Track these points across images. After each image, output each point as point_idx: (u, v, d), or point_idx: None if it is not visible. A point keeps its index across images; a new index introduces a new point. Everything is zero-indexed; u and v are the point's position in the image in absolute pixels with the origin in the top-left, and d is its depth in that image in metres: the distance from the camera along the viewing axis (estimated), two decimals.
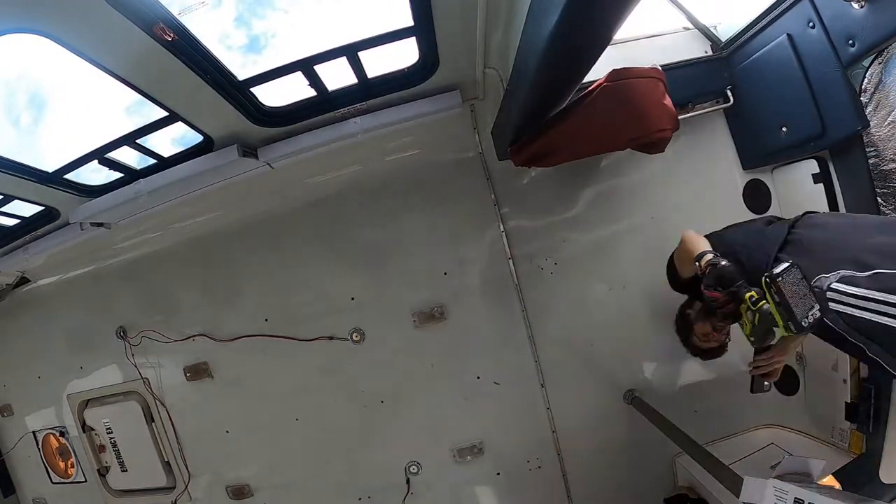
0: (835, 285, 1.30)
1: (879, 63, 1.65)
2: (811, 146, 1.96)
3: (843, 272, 1.30)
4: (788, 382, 2.25)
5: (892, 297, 1.20)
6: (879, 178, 1.76)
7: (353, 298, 2.44)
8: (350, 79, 1.82)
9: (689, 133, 2.25)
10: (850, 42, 1.66)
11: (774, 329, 1.30)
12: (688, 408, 2.37)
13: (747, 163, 2.33)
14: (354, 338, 2.44)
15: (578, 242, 2.39)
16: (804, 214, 1.58)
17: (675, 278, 1.85)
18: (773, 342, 1.52)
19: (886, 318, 1.21)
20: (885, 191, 1.75)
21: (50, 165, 1.86)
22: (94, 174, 2.05)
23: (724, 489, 1.60)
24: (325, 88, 1.82)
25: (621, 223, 2.39)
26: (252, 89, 1.70)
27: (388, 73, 1.88)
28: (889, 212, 1.74)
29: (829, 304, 1.31)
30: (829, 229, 1.48)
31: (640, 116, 1.76)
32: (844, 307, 1.29)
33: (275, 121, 1.92)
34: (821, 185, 1.98)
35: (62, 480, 2.84)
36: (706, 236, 1.65)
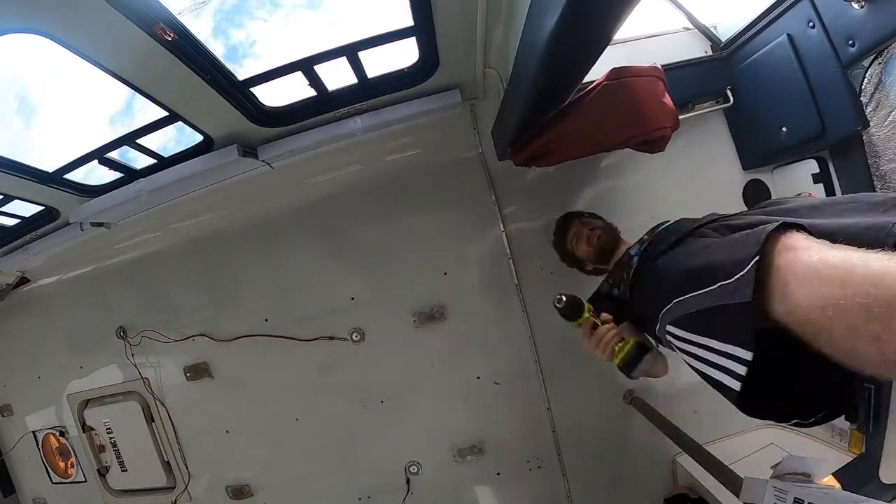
0: (668, 327, 1.11)
1: (879, 63, 1.65)
2: (811, 146, 1.96)
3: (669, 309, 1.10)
4: None
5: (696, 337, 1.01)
6: (879, 178, 1.76)
7: (352, 298, 2.44)
8: (350, 79, 1.82)
9: (688, 133, 2.25)
10: (850, 42, 1.66)
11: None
12: (688, 408, 2.37)
13: (747, 163, 2.33)
14: (354, 338, 2.44)
15: None
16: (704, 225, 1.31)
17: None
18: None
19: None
20: (885, 190, 1.75)
21: (49, 165, 1.87)
22: (94, 174, 2.05)
23: (724, 489, 1.60)
24: (325, 88, 1.81)
25: (621, 223, 2.36)
26: (252, 89, 1.70)
27: (388, 73, 1.88)
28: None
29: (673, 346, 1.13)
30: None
31: (639, 114, 1.76)
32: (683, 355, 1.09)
33: (275, 120, 1.92)
34: (821, 186, 1.98)
35: (62, 480, 2.84)
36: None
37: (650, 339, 1.41)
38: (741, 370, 0.88)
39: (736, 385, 0.90)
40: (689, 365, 1.06)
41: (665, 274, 1.23)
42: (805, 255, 0.81)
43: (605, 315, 1.39)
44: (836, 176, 1.94)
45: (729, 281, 0.89)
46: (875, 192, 1.79)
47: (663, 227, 1.54)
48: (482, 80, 2.04)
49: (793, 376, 0.91)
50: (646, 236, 1.57)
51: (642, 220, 2.37)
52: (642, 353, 1.32)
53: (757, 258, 0.84)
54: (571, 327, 1.38)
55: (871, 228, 0.92)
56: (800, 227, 0.90)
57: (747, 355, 0.86)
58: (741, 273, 0.86)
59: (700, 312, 0.98)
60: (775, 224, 0.89)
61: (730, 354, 0.90)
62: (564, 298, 1.34)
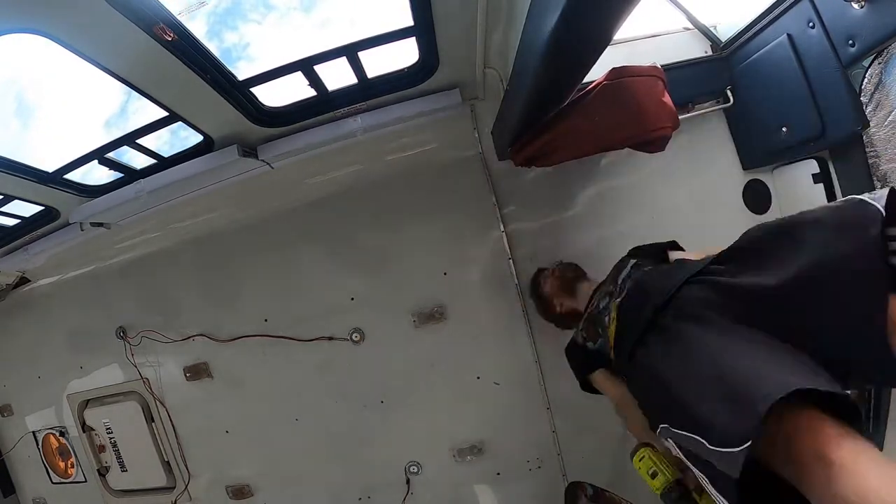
0: (665, 441, 1.04)
1: (879, 63, 1.65)
2: (811, 146, 1.95)
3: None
4: None
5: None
6: (879, 178, 1.76)
7: (352, 298, 2.44)
8: (350, 79, 1.82)
9: (689, 133, 2.25)
10: (850, 42, 1.66)
11: None
12: None
13: (747, 163, 2.33)
14: (354, 338, 2.44)
15: (579, 242, 2.39)
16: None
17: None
18: None
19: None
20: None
21: (49, 165, 1.87)
22: (94, 174, 2.05)
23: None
24: (325, 88, 1.82)
25: (621, 223, 2.39)
26: (252, 89, 1.70)
27: (388, 73, 1.88)
28: None
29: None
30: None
31: (639, 114, 1.76)
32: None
33: (275, 120, 1.92)
34: (821, 185, 1.98)
35: (62, 480, 2.84)
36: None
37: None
38: None
39: None
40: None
41: (650, 381, 1.12)
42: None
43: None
44: (836, 176, 1.94)
45: (715, 449, 0.81)
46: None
47: (625, 276, 1.48)
48: (482, 80, 2.04)
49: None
50: (611, 286, 1.53)
51: (642, 219, 2.39)
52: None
53: (748, 444, 0.75)
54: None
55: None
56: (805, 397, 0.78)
57: None
58: (729, 451, 0.78)
59: (688, 451, 0.93)
60: (768, 404, 0.76)
61: (720, 499, 0.86)
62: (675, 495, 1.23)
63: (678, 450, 0.99)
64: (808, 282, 0.91)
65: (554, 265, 2.11)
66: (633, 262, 1.55)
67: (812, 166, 2.00)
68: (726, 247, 1.18)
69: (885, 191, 0.90)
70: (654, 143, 1.89)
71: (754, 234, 1.12)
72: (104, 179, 2.09)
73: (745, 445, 0.75)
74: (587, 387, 1.69)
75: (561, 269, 2.04)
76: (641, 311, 1.20)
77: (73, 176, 1.96)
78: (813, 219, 0.99)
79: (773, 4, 1.88)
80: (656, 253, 1.67)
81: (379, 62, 1.78)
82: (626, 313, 1.34)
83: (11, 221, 2.28)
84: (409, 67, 1.86)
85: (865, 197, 0.93)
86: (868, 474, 0.69)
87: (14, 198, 1.98)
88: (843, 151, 1.86)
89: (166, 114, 1.65)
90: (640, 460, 1.29)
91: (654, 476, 1.26)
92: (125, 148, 1.87)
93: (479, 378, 2.45)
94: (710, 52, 2.22)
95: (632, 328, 1.24)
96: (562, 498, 2.50)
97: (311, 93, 1.82)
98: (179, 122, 1.72)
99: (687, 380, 0.97)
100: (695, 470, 0.94)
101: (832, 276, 0.89)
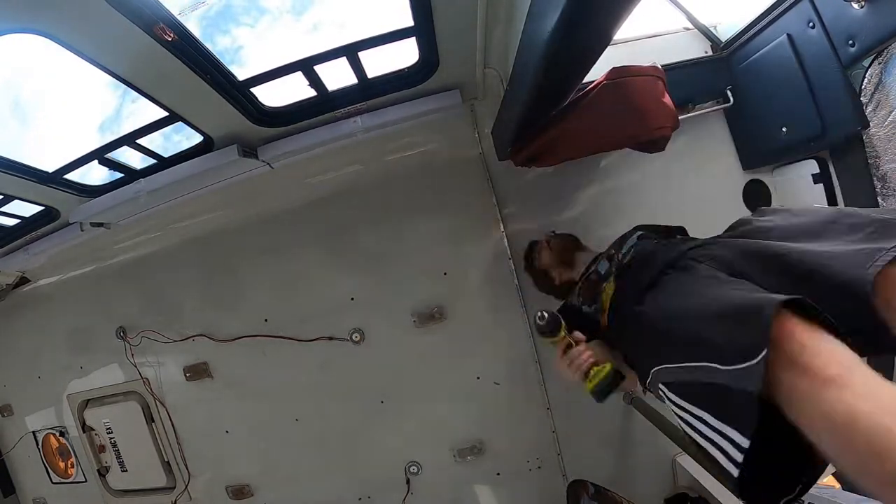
0: (661, 387, 1.04)
1: (879, 63, 1.65)
2: (811, 146, 1.96)
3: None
4: None
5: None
6: (879, 178, 1.76)
7: (352, 299, 2.44)
8: (350, 79, 1.82)
9: (689, 133, 2.25)
10: (850, 42, 1.66)
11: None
12: None
13: (747, 163, 2.33)
14: (354, 338, 2.44)
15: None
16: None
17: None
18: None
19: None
20: (885, 191, 1.75)
21: (49, 165, 1.87)
22: (94, 174, 2.05)
23: (724, 489, 1.60)
24: (325, 88, 1.81)
25: (621, 223, 2.37)
26: (252, 89, 1.70)
27: (388, 73, 1.88)
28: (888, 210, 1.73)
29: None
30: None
31: (639, 114, 1.76)
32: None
33: (275, 121, 1.92)
34: (821, 185, 1.98)
35: (62, 480, 2.84)
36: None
37: (625, 364, 1.35)
38: (737, 456, 0.82)
39: (734, 471, 0.83)
40: (683, 428, 1.01)
41: (648, 328, 1.13)
42: (829, 394, 0.71)
43: (577, 334, 1.35)
44: (836, 176, 1.94)
45: (731, 368, 0.82)
46: (874, 192, 1.79)
47: (631, 245, 1.48)
48: (482, 81, 2.04)
49: (791, 452, 0.84)
50: (612, 251, 1.53)
51: (642, 219, 2.37)
52: (617, 381, 1.26)
53: (765, 352, 0.76)
54: (545, 343, 1.37)
55: (852, 262, 0.88)
56: (804, 306, 0.81)
57: (744, 442, 0.81)
58: (746, 364, 0.79)
59: (696, 384, 0.91)
60: (778, 301, 0.79)
61: (726, 435, 0.84)
62: (546, 315, 1.30)
63: (673, 394, 0.99)
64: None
65: (548, 236, 1.99)
66: (639, 233, 1.54)
67: (812, 166, 2.00)
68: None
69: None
70: (654, 143, 1.89)
71: (780, 251, 1.08)
72: (104, 179, 2.09)
73: (762, 355, 0.76)
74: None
75: (558, 240, 1.93)
76: (643, 275, 1.22)
77: (73, 176, 1.96)
78: (819, 265, 0.97)
79: (773, 4, 1.88)
80: (663, 231, 1.64)
81: (379, 62, 1.78)
82: (628, 279, 1.35)
83: (11, 221, 2.28)
84: (409, 67, 1.85)
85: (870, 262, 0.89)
86: (859, 393, 0.68)
87: (14, 198, 1.98)
88: (843, 151, 1.87)
89: (166, 114, 1.65)
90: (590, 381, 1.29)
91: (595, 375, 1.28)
92: (125, 148, 1.87)
93: (479, 378, 2.45)
94: (710, 52, 2.22)
95: (631, 290, 1.25)
96: (562, 498, 2.50)
97: (312, 93, 1.82)
98: (179, 122, 1.72)
99: (693, 314, 0.98)
100: (693, 423, 0.94)
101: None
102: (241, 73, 1.60)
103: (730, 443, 0.83)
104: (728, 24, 2.16)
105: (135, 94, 1.48)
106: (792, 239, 1.05)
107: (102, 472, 2.71)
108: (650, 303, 1.15)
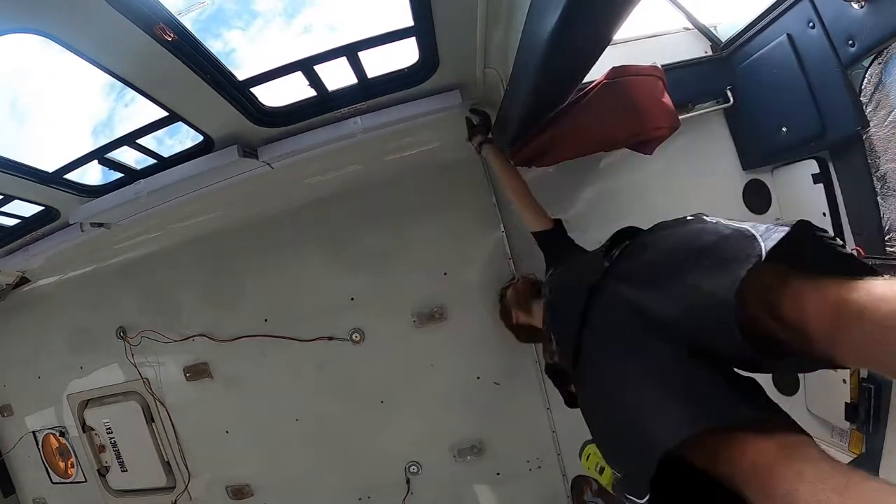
0: None
1: (879, 63, 1.65)
2: (811, 146, 1.95)
3: None
4: (788, 382, 2.25)
5: None
6: (879, 178, 1.76)
7: (352, 298, 2.44)
8: (350, 79, 1.82)
9: (689, 133, 2.25)
10: (850, 42, 1.66)
11: None
12: None
13: (747, 163, 2.33)
14: (354, 338, 2.44)
15: (578, 242, 2.38)
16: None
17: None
18: None
19: None
20: (885, 191, 1.75)
21: (49, 165, 1.86)
22: (94, 174, 2.05)
23: None
24: (325, 88, 1.81)
25: (621, 223, 2.36)
26: (252, 89, 1.70)
27: (388, 73, 1.88)
28: (888, 211, 1.73)
29: None
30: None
31: (639, 113, 1.76)
32: None
33: (275, 121, 1.92)
34: (821, 185, 1.98)
35: (62, 480, 2.83)
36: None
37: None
38: None
39: None
40: None
41: (588, 406, 1.22)
42: None
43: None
44: (836, 176, 1.94)
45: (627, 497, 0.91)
46: (874, 192, 1.79)
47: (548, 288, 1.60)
48: (482, 81, 2.04)
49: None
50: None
51: (641, 219, 2.37)
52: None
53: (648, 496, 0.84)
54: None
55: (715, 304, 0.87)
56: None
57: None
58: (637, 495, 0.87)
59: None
60: (657, 458, 0.83)
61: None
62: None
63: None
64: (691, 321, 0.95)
65: (521, 276, 2.14)
66: (552, 269, 1.66)
67: (812, 166, 2.00)
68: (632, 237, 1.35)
69: (784, 230, 0.86)
70: (648, 143, 1.89)
71: (662, 247, 1.18)
72: (104, 179, 2.09)
73: (645, 499, 0.85)
74: (574, 404, 1.66)
75: (521, 284, 2.06)
76: (566, 328, 1.28)
77: (73, 176, 1.96)
78: (708, 245, 0.99)
79: (773, 4, 1.88)
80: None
81: (379, 62, 1.78)
82: (555, 328, 1.44)
83: (11, 221, 2.28)
84: (409, 67, 1.85)
85: (759, 234, 0.88)
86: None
87: (14, 198, 1.98)
88: (843, 151, 1.86)
89: (166, 114, 1.65)
90: (586, 458, 1.36)
91: (601, 471, 1.33)
92: (125, 148, 1.87)
93: (479, 378, 2.45)
94: (710, 52, 2.22)
95: (564, 344, 1.33)
96: (562, 497, 2.51)
97: (312, 93, 1.82)
98: (179, 122, 1.72)
99: (606, 425, 1.10)
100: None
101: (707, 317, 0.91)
102: (237, 75, 1.60)
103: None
104: (728, 24, 2.16)
105: (128, 96, 1.48)
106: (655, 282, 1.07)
107: (102, 472, 2.71)
108: (583, 371, 1.23)
